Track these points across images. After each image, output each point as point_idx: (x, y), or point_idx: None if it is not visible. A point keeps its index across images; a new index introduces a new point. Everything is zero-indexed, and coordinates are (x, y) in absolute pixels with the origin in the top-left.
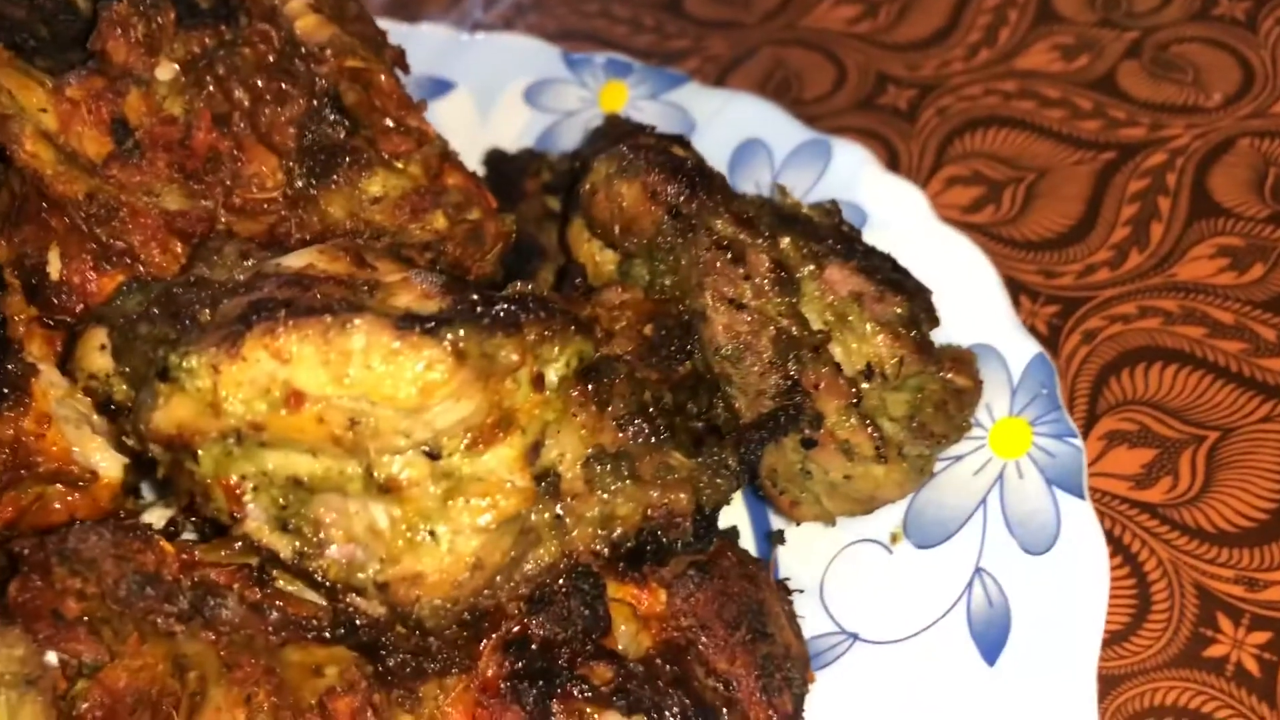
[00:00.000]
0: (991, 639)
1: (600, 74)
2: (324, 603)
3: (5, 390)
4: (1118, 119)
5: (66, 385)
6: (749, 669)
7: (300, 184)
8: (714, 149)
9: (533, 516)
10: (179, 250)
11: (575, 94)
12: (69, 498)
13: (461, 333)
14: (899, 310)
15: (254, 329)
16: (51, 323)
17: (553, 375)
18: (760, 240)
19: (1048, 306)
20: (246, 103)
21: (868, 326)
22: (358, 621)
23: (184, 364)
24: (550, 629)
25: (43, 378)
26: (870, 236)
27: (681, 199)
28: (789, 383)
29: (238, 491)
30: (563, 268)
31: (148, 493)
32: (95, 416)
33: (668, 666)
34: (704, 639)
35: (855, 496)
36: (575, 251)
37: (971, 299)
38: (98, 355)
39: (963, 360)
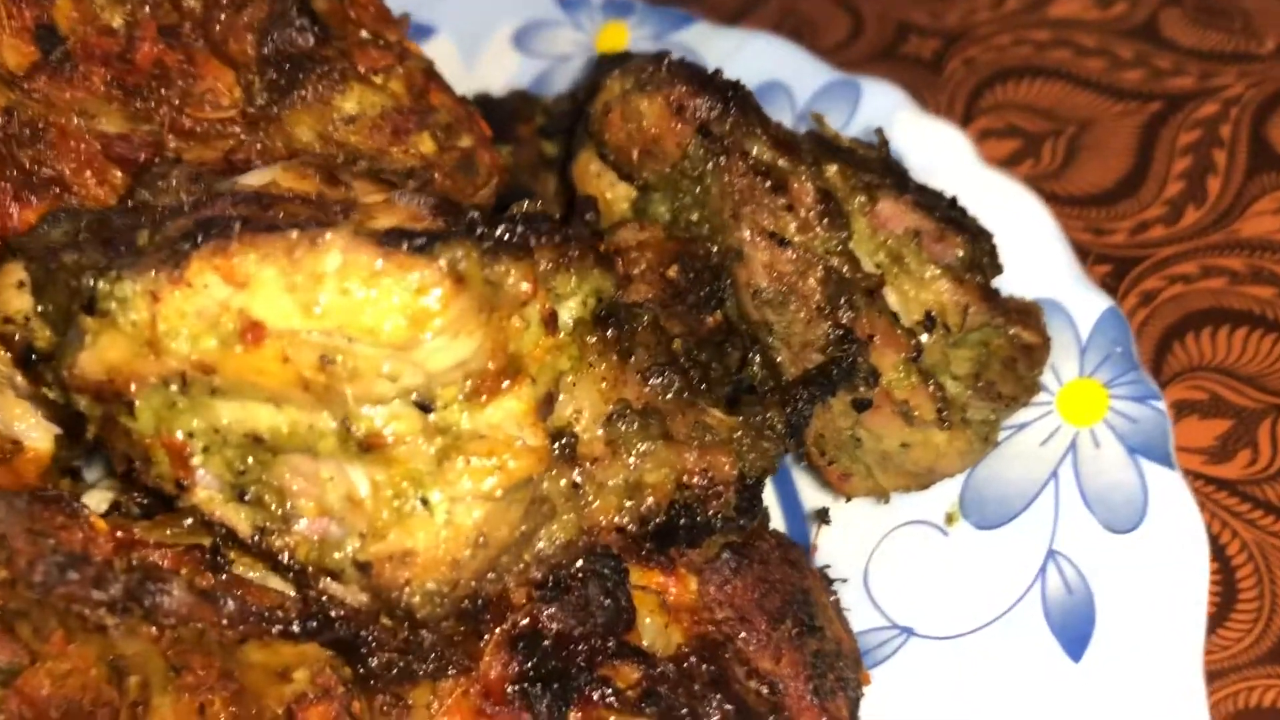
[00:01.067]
0: (1074, 631)
1: (597, 14)
2: (291, 590)
3: None
4: (1162, 69)
5: None
6: (797, 669)
7: (261, 101)
8: None
9: (545, 484)
10: (118, 180)
11: (569, 37)
12: None
13: (460, 252)
14: (960, 252)
15: (201, 247)
16: None
17: (567, 315)
18: (804, 167)
19: (1100, 265)
20: (199, 9)
21: (927, 270)
22: (333, 613)
23: (115, 292)
24: (565, 621)
25: None
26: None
27: (714, 115)
28: (840, 332)
29: (184, 453)
30: (564, 213)
31: (92, 475)
32: (18, 377)
33: (703, 666)
34: (743, 634)
35: (911, 469)
36: (583, 188)
37: (1028, 249)
38: (14, 293)
39: (1028, 312)
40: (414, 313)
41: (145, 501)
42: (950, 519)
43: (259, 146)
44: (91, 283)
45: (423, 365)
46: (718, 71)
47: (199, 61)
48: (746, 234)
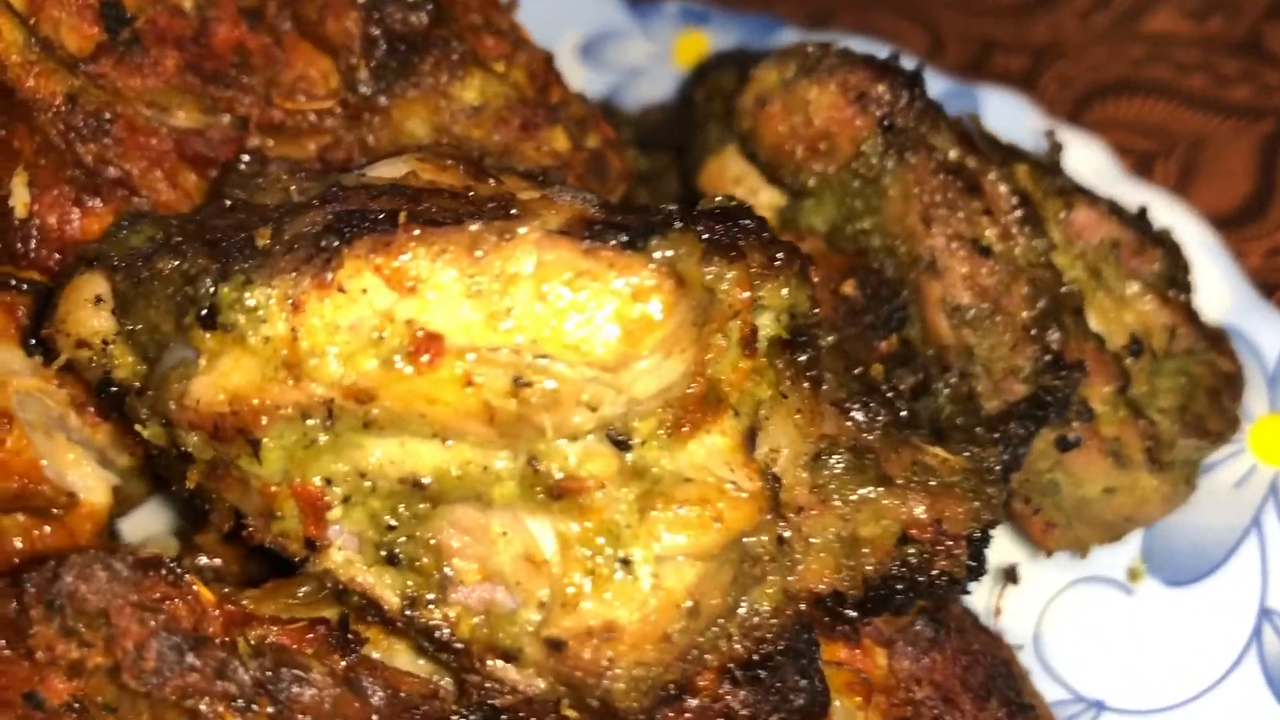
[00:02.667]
0: None
1: (673, 23)
2: (440, 676)
3: None
4: (1271, 84)
5: (33, 374)
6: None
7: (366, 90)
8: None
9: (750, 539)
10: (192, 185)
11: (642, 49)
12: (35, 532)
13: (682, 249)
14: (1157, 267)
15: (355, 243)
16: (12, 282)
17: (762, 334)
18: (994, 168)
19: None
20: None
21: (1127, 286)
22: (497, 702)
23: (243, 300)
24: (758, 708)
25: None
26: None
27: (900, 105)
28: (1050, 357)
29: (320, 503)
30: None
31: (127, 533)
32: (71, 417)
33: None
34: (947, 715)
35: (1109, 518)
36: (714, 193)
37: (1196, 272)
38: (92, 312)
39: (1220, 338)
40: (630, 324)
41: (216, 564)
42: (1134, 575)
43: (359, 141)
44: (210, 290)
45: (628, 390)
46: (893, 56)
47: (287, 46)
48: (941, 241)
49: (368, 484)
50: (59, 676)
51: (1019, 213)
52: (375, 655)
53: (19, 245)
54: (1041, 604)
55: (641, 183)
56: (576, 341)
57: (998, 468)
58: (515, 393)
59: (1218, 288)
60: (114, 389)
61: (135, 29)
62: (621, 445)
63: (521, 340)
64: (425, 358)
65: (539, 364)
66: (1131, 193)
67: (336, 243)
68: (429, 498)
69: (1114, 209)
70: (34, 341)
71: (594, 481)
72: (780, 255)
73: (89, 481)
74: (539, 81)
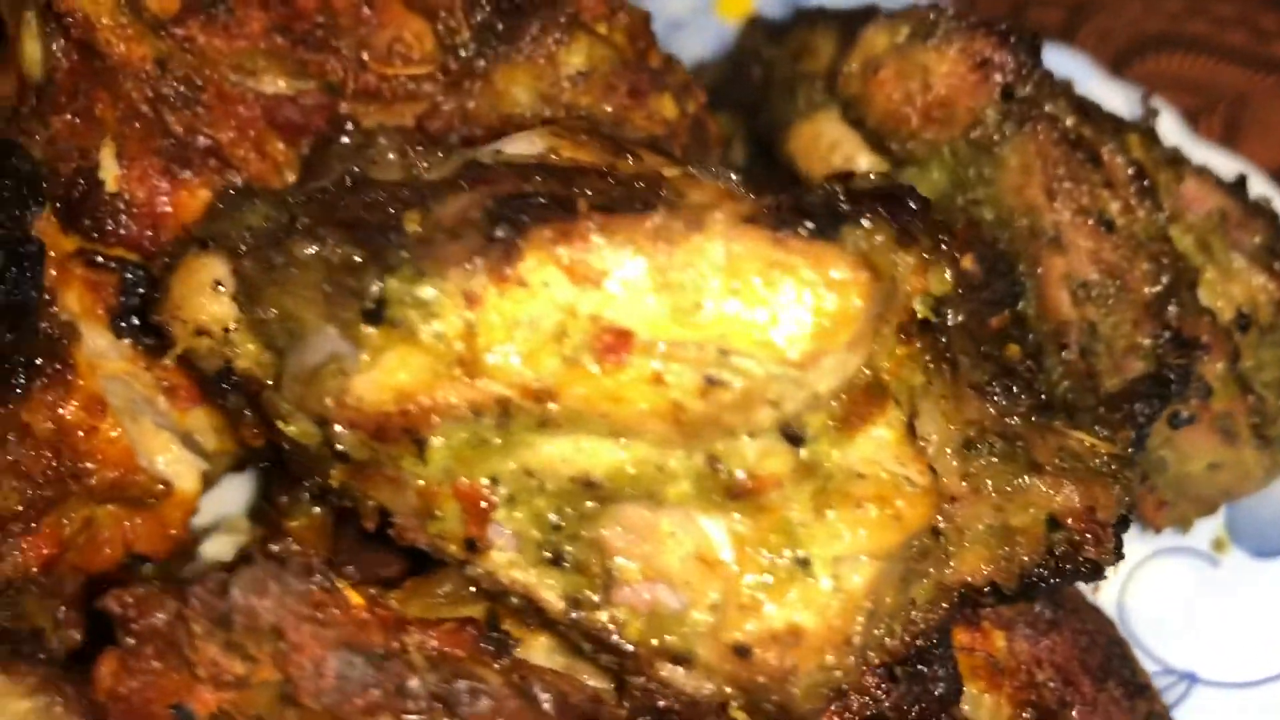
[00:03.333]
0: None
1: None
2: (594, 678)
3: (36, 361)
4: None
5: (120, 356)
6: None
7: (466, 54)
8: None
9: None
10: (280, 153)
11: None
12: (125, 523)
13: (878, 237)
14: (1259, 238)
15: (533, 233)
16: (99, 259)
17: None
18: (1110, 139)
19: None
20: None
21: (1234, 258)
22: (661, 704)
23: (415, 293)
24: (902, 698)
25: (85, 344)
26: None
27: (1022, 74)
28: (1170, 334)
29: (483, 503)
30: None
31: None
32: (160, 401)
33: None
34: (1070, 698)
35: (1209, 493)
36: (808, 164)
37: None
38: (212, 297)
39: None
40: (824, 319)
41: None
42: (1219, 545)
43: (459, 109)
44: (377, 283)
45: (812, 386)
46: (1014, 20)
47: (379, 5)
48: (1067, 215)
49: (535, 483)
50: (208, 688)
51: (1138, 185)
52: (544, 661)
53: (107, 221)
54: (1124, 575)
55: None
56: (769, 337)
57: (1130, 450)
58: (705, 392)
59: None
60: (235, 379)
61: None
62: (795, 440)
63: (712, 336)
64: (613, 356)
65: (729, 361)
66: (1203, 154)
67: (513, 232)
68: (598, 497)
69: (1221, 181)
70: (123, 324)
71: (773, 480)
72: (945, 239)
73: (179, 468)
74: (639, 43)
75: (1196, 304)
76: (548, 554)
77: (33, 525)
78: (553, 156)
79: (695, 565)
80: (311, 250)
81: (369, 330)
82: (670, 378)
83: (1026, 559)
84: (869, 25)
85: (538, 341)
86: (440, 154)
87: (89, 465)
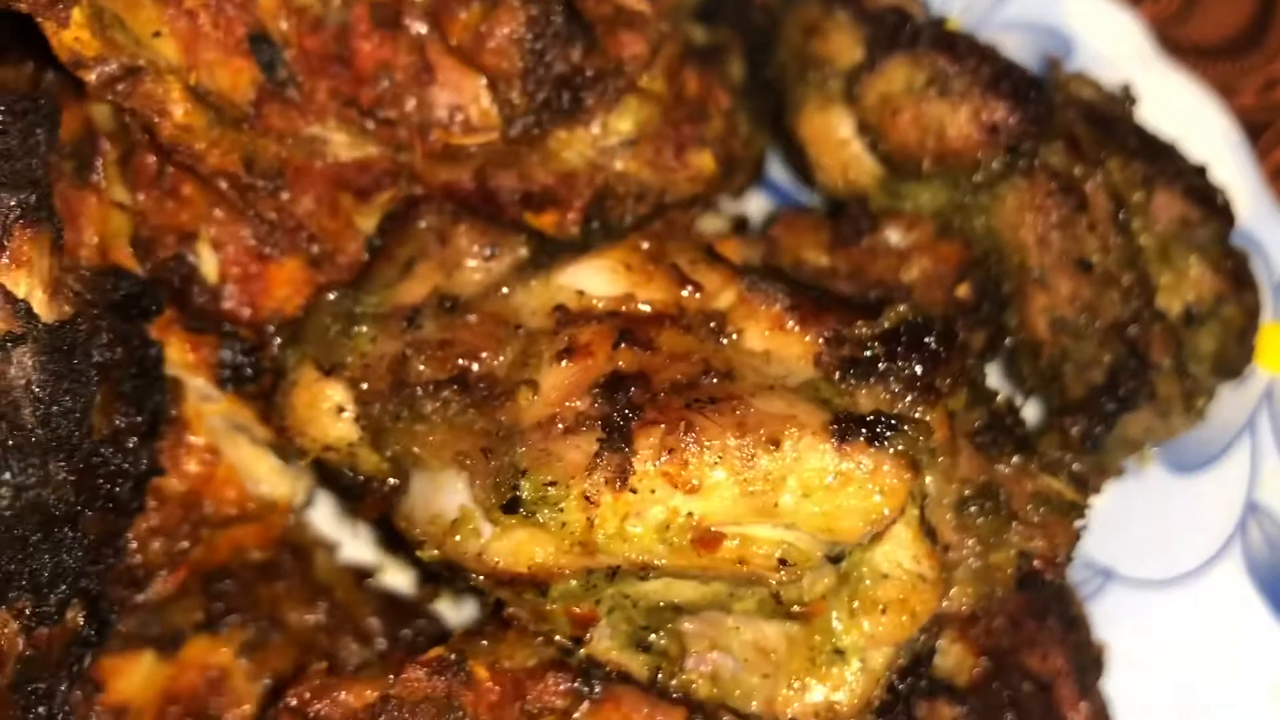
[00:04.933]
0: None
1: None
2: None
3: (158, 427)
4: None
5: (219, 396)
6: (1063, 665)
7: (526, 122)
8: None
9: None
10: (349, 205)
11: None
12: (235, 532)
13: (916, 442)
14: (1213, 231)
15: (638, 444)
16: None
17: None
18: (1095, 172)
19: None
20: None
21: (1190, 260)
22: None
23: (546, 495)
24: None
25: (191, 393)
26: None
27: (1027, 134)
28: (1128, 350)
29: (588, 618)
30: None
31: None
32: (257, 428)
33: (1002, 691)
34: (1019, 639)
35: (1134, 444)
36: (818, 150)
37: (1211, 166)
38: (334, 420)
39: (1242, 267)
40: (875, 512)
41: None
42: (1144, 459)
43: (518, 170)
44: (513, 483)
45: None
46: (1014, 64)
47: (435, 63)
48: (1053, 260)
49: (630, 601)
50: None
51: (1115, 222)
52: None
53: (210, 307)
54: None
55: (701, 59)
56: (832, 528)
57: (1081, 469)
58: (778, 569)
59: (1236, 190)
60: (358, 479)
61: (287, 62)
62: (836, 560)
63: (785, 523)
64: (707, 547)
65: (798, 545)
66: (1165, 76)
67: (623, 444)
68: (678, 613)
69: (1188, 186)
70: (226, 381)
71: (822, 601)
72: (962, 371)
73: (281, 483)
74: (676, 81)
75: (1152, 313)
76: (636, 642)
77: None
78: (630, 302)
79: (753, 650)
80: (434, 409)
81: (504, 516)
82: (751, 560)
83: (1000, 590)
84: (890, 60)
85: (645, 530)
86: (514, 249)
87: (213, 511)
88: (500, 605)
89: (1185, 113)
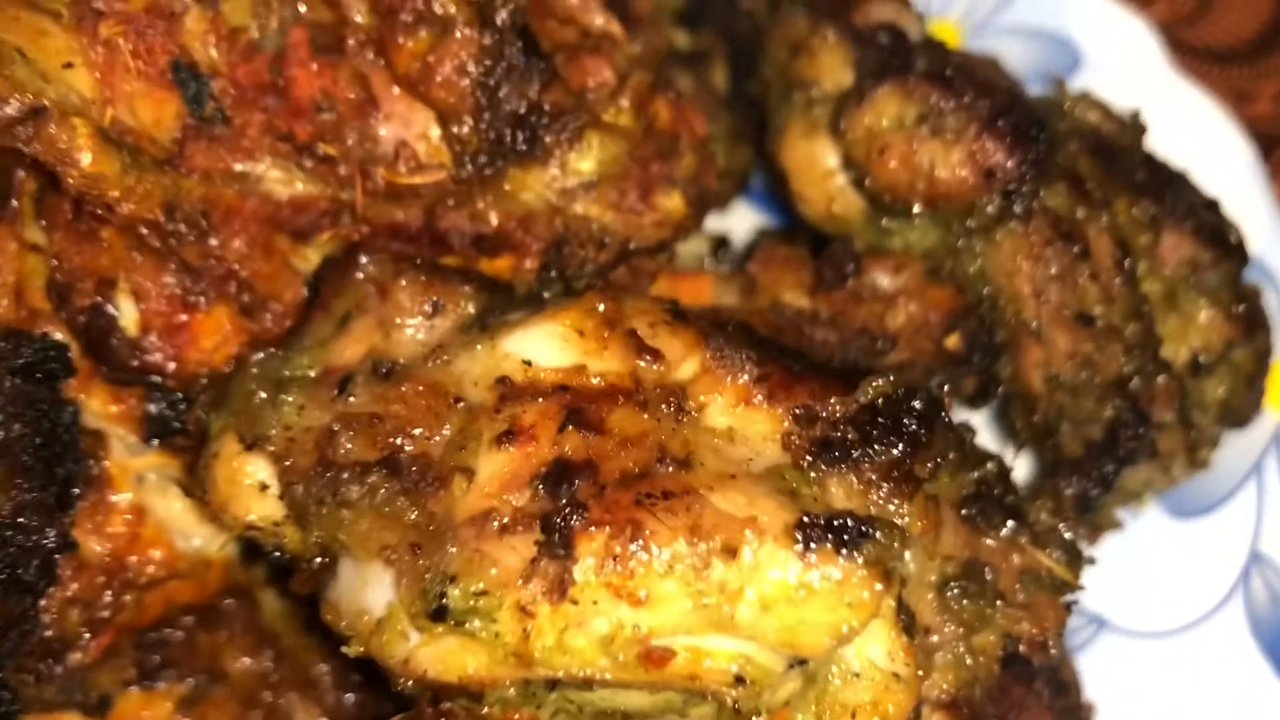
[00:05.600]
0: None
1: None
2: None
3: (74, 491)
4: None
5: (147, 451)
6: None
7: (476, 163)
8: None
9: None
10: (285, 248)
11: None
12: (167, 589)
13: (888, 547)
14: (1224, 273)
15: (578, 550)
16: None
17: None
18: (1100, 215)
19: None
20: (366, 22)
21: (1199, 305)
22: None
23: (476, 605)
24: None
25: (114, 449)
26: (1083, 81)
27: (1024, 176)
28: (1129, 406)
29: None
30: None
31: None
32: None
33: None
34: (1003, 706)
35: (1132, 496)
36: (801, 181)
37: (1221, 187)
38: (258, 498)
39: (1253, 305)
40: (842, 628)
41: None
42: (1140, 502)
43: (469, 211)
44: (440, 590)
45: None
46: (1014, 99)
47: (379, 94)
48: (1051, 314)
49: (575, 707)
50: None
51: (1121, 272)
52: None
53: (130, 360)
54: None
55: (684, 64)
56: (794, 643)
57: (1074, 538)
58: (734, 686)
59: (1251, 215)
60: (286, 557)
61: (214, 94)
62: (802, 663)
63: (742, 641)
64: (655, 664)
65: (756, 660)
66: (1179, 91)
67: (562, 550)
68: (629, 718)
69: (1197, 226)
70: (151, 434)
71: (786, 709)
72: (948, 449)
73: (215, 540)
74: (645, 113)
75: (1157, 366)
76: None
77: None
78: (580, 376)
79: None
80: (358, 493)
81: (433, 624)
82: (704, 676)
83: (983, 675)
84: (877, 90)
85: (587, 644)
86: (459, 304)
87: (138, 573)
88: (437, 698)
89: (1197, 127)
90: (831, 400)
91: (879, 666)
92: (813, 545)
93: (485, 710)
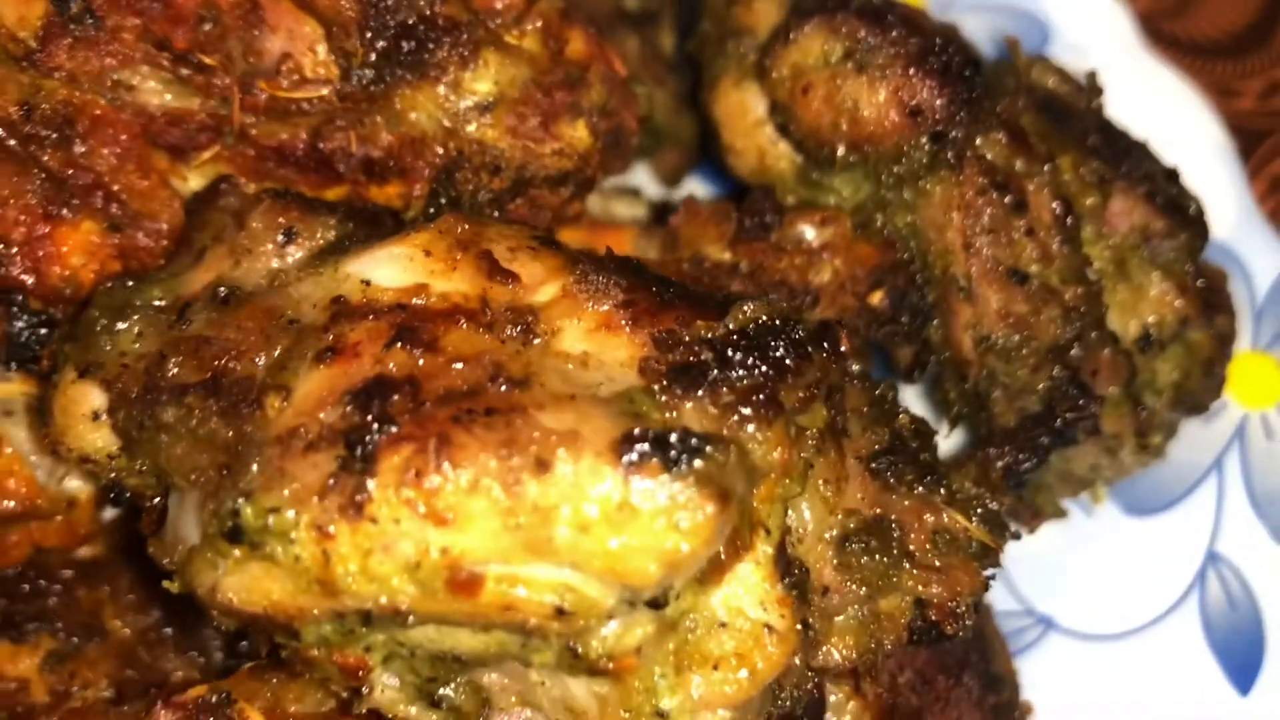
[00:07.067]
0: (1239, 655)
1: None
2: None
3: None
4: None
5: (9, 374)
6: None
7: (365, 76)
8: None
9: None
10: (165, 167)
11: None
12: (30, 528)
13: (722, 461)
14: (1182, 245)
15: (380, 465)
16: None
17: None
18: (1041, 169)
19: None
20: None
21: (1151, 277)
22: None
23: (269, 524)
24: None
25: None
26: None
27: (955, 117)
28: (1069, 375)
29: (360, 667)
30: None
31: None
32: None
33: None
34: (925, 697)
35: (1088, 480)
36: (728, 132)
37: (1194, 173)
38: (91, 427)
39: (1219, 287)
40: (672, 556)
41: None
42: (1096, 497)
43: (358, 131)
44: (234, 508)
45: (668, 586)
46: (950, 40)
47: (265, 4)
48: (978, 267)
49: (405, 650)
50: None
51: (1060, 226)
52: None
53: None
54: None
55: (632, 25)
56: (618, 570)
57: (997, 506)
58: (556, 618)
59: (1223, 201)
60: (127, 495)
61: None
62: (657, 606)
63: (563, 564)
64: (465, 590)
65: (580, 589)
66: (1152, 73)
67: (361, 466)
68: (467, 665)
69: (1150, 191)
70: (12, 354)
71: (632, 654)
72: (819, 377)
73: (80, 482)
74: (555, 41)
75: (1101, 337)
76: (425, 696)
77: None
78: (423, 294)
79: (564, 710)
80: (176, 415)
81: (229, 547)
82: (520, 606)
83: (889, 642)
84: (804, 26)
85: (392, 568)
86: (316, 232)
87: None
88: (275, 648)
89: (1167, 111)
90: (698, 323)
91: (749, 616)
92: (636, 461)
93: (311, 652)
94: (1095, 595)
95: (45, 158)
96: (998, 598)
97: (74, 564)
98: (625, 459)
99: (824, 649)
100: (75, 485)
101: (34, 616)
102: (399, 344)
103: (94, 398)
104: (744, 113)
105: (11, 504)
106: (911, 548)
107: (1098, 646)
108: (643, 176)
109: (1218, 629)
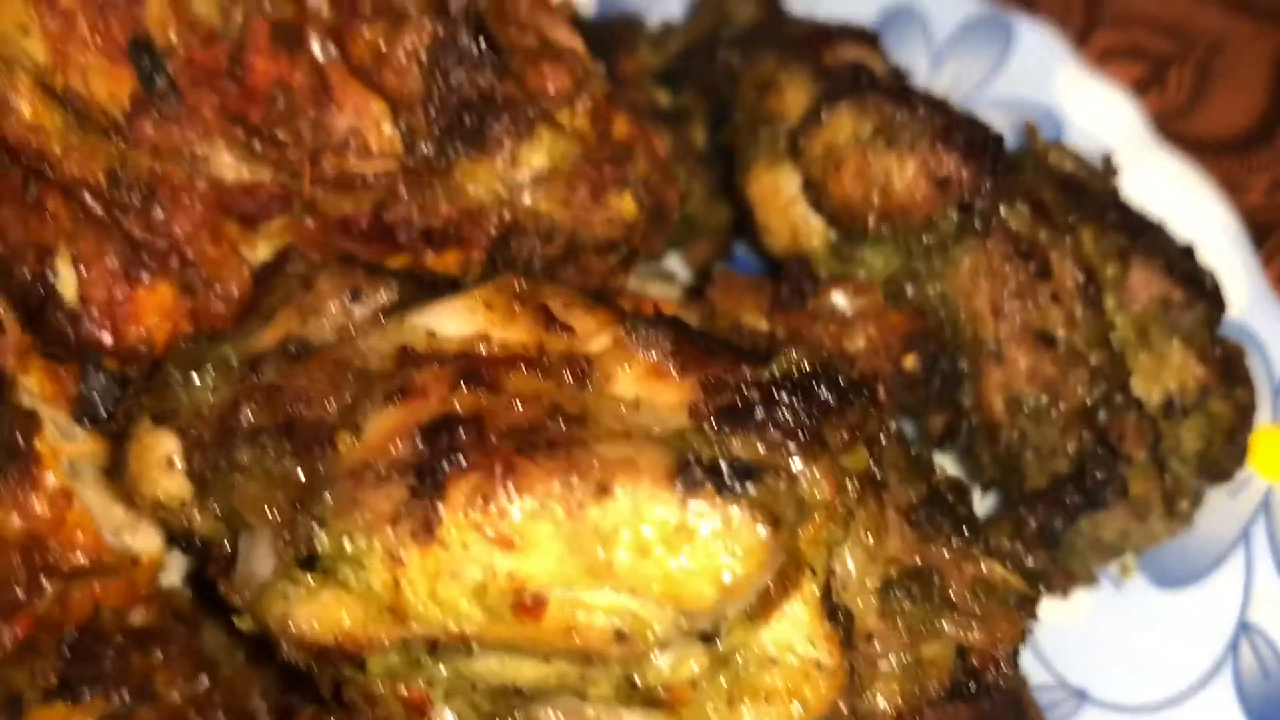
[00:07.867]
0: None
1: None
2: None
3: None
4: None
5: (80, 434)
6: None
7: (427, 151)
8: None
9: None
10: (235, 235)
11: None
12: (96, 584)
13: (777, 490)
14: (1199, 315)
15: (449, 494)
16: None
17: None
18: (1063, 238)
19: None
20: (326, 11)
21: (1172, 345)
22: None
23: (345, 550)
24: None
25: (47, 430)
26: None
27: (981, 189)
28: (1097, 440)
29: (422, 702)
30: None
31: None
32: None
33: None
34: None
35: (1118, 548)
36: (765, 211)
37: (1207, 256)
38: (165, 474)
39: (1237, 362)
40: (727, 580)
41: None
42: (1124, 570)
43: (418, 203)
44: (309, 535)
45: (721, 615)
46: (973, 119)
47: (335, 85)
48: (1008, 331)
49: (467, 684)
50: None
51: (1084, 296)
52: None
53: (68, 331)
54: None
55: (665, 122)
56: (677, 594)
57: (1036, 562)
58: (616, 641)
59: (1237, 282)
60: (199, 543)
61: (169, 74)
62: (709, 639)
63: (621, 587)
64: (529, 613)
65: (639, 614)
66: (1162, 163)
67: (430, 493)
68: (526, 699)
69: (1169, 263)
70: (85, 414)
71: (682, 686)
72: (860, 418)
73: (145, 537)
74: (601, 123)
75: (1126, 400)
76: None
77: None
78: (481, 347)
79: None
80: (251, 456)
81: (305, 574)
82: (582, 630)
83: (934, 690)
84: (836, 107)
85: (460, 592)
86: (379, 293)
87: (59, 559)
88: (339, 686)
89: (1179, 198)
90: (743, 368)
91: (798, 652)
92: (691, 487)
93: (375, 687)
94: (1128, 667)
95: (127, 224)
96: (1031, 670)
97: (126, 630)
98: (681, 484)
99: (868, 694)
100: (139, 545)
101: (90, 679)
102: (464, 385)
103: (168, 444)
104: (777, 192)
105: (81, 558)
106: (952, 596)
107: (1132, 718)
108: (675, 264)
109: (1253, 698)
